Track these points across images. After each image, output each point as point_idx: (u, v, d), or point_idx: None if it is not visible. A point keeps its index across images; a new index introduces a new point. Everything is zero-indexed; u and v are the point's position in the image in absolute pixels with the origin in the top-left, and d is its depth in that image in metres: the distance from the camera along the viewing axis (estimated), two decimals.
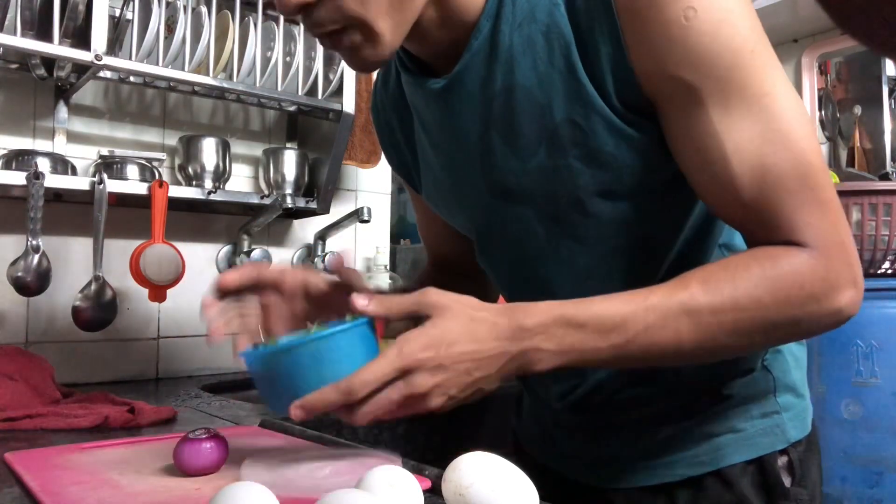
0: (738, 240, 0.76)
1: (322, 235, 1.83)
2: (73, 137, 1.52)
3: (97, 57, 1.24)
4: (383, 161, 1.82)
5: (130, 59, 1.34)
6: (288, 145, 1.83)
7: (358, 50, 0.64)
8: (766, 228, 0.61)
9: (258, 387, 0.65)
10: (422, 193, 0.88)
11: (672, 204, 0.70)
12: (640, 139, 0.65)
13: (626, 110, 0.64)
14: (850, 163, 1.89)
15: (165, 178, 1.57)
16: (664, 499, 0.77)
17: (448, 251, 0.99)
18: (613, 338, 0.60)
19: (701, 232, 0.73)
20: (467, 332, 0.59)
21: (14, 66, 1.41)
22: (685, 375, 0.75)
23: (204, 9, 1.43)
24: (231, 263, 1.73)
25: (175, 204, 1.48)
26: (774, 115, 0.60)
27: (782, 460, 0.76)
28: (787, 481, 0.75)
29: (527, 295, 0.80)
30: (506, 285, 0.85)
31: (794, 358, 0.79)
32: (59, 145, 1.49)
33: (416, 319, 0.62)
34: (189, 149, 1.58)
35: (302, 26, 1.55)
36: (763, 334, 0.61)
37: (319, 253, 1.84)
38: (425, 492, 0.60)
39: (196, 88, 1.52)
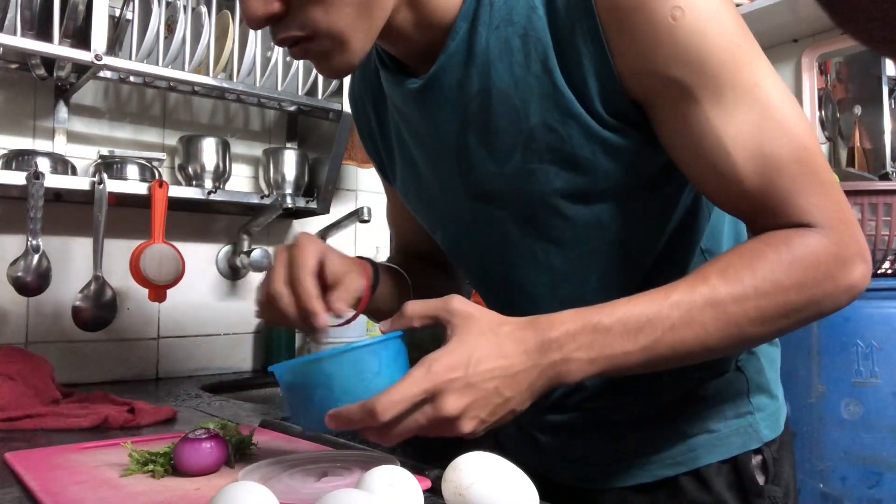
0: (719, 245, 0.76)
1: (322, 235, 1.83)
2: (73, 137, 1.52)
3: (97, 57, 1.24)
4: None
5: (130, 59, 1.34)
6: (288, 145, 1.83)
7: (327, 58, 0.64)
8: (773, 214, 0.62)
9: (289, 401, 0.65)
10: (395, 185, 0.87)
11: (648, 208, 0.70)
12: (619, 144, 0.65)
13: (609, 114, 0.64)
14: (850, 163, 1.89)
15: (165, 178, 1.57)
16: (644, 499, 0.78)
17: (419, 242, 0.98)
18: (641, 339, 0.59)
19: (681, 236, 0.73)
20: (494, 348, 0.58)
21: (14, 66, 1.41)
22: (661, 379, 0.75)
23: (204, 9, 1.43)
24: (231, 264, 1.73)
25: (175, 204, 1.48)
26: (767, 104, 0.61)
27: (756, 459, 0.76)
28: (760, 480, 0.76)
29: (502, 296, 0.80)
30: (481, 287, 0.85)
31: (767, 359, 0.80)
32: (59, 145, 1.49)
33: (436, 325, 0.61)
34: (189, 149, 1.58)
35: None
36: (785, 318, 0.61)
37: None
38: (425, 492, 0.60)
39: (196, 88, 1.52)
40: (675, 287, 0.60)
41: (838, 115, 1.93)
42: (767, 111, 0.61)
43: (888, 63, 1.82)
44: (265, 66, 1.52)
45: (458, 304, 0.60)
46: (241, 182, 1.76)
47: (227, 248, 1.74)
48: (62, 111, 1.50)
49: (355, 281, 0.74)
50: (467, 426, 0.57)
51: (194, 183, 1.57)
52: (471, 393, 0.56)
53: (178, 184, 1.58)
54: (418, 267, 0.96)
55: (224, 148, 1.61)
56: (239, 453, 0.74)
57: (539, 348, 0.58)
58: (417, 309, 0.62)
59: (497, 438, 0.97)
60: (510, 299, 0.78)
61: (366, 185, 2.01)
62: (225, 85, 1.47)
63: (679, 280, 0.61)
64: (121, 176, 1.43)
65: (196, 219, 1.68)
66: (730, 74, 0.60)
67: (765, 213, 0.62)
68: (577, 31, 0.62)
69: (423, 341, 0.68)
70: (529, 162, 0.67)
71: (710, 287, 0.59)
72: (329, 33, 0.62)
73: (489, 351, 0.57)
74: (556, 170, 0.67)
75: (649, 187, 0.69)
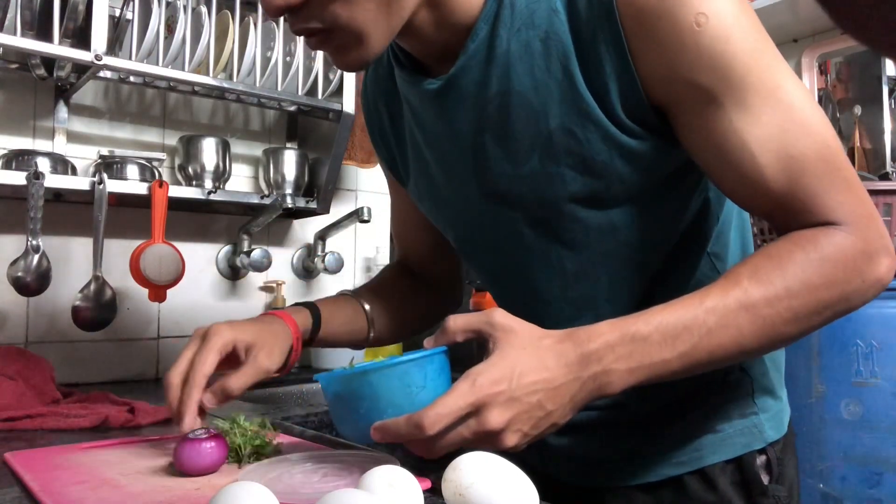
0: (726, 249, 0.76)
1: (322, 235, 1.83)
2: (73, 137, 1.52)
3: (97, 57, 1.24)
4: None
5: (130, 59, 1.34)
6: (288, 145, 1.83)
7: (343, 51, 0.64)
8: (799, 214, 0.63)
9: (333, 411, 0.66)
10: (406, 187, 0.88)
11: (660, 211, 0.71)
12: (636, 149, 0.65)
13: (629, 119, 0.64)
14: (850, 163, 1.89)
15: (165, 178, 1.57)
16: (648, 498, 0.78)
17: (418, 247, 0.99)
18: (679, 346, 0.59)
19: (689, 240, 0.74)
20: (537, 361, 0.58)
21: (14, 66, 1.41)
22: (666, 381, 0.76)
23: (204, 9, 1.43)
24: (231, 263, 1.73)
25: (175, 204, 1.48)
26: (789, 105, 0.61)
27: (760, 459, 0.77)
28: (765, 479, 0.77)
29: (514, 296, 0.81)
30: (493, 289, 0.86)
31: (771, 361, 0.81)
32: (59, 145, 1.49)
33: (478, 339, 0.62)
34: (189, 149, 1.58)
35: None
36: (817, 315, 0.62)
37: (319, 253, 1.84)
38: (425, 492, 0.60)
39: (196, 88, 1.52)
40: (709, 292, 0.61)
41: (838, 115, 1.93)
42: (790, 112, 0.61)
43: (888, 63, 1.82)
44: (265, 66, 1.52)
45: (500, 318, 0.61)
46: (241, 182, 1.76)
47: (227, 248, 1.74)
48: (62, 111, 1.50)
49: (258, 364, 0.76)
50: (511, 440, 0.58)
51: (194, 183, 1.57)
52: (514, 406, 0.57)
53: (178, 184, 1.58)
54: (409, 285, 0.98)
55: (224, 148, 1.61)
56: (255, 455, 0.73)
57: (579, 361, 0.59)
58: (459, 324, 0.63)
59: None
60: (522, 300, 0.78)
61: (366, 185, 2.01)
62: (225, 85, 1.47)
63: (710, 285, 0.62)
64: (121, 176, 1.43)
65: (196, 219, 1.68)
66: (753, 78, 0.61)
67: (791, 213, 0.63)
68: (599, 35, 0.62)
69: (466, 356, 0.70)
70: (546, 165, 0.68)
71: (742, 290, 0.60)
72: (348, 28, 0.62)
73: (532, 364, 0.58)
74: (572, 173, 0.67)
75: (662, 191, 0.69)
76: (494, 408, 0.56)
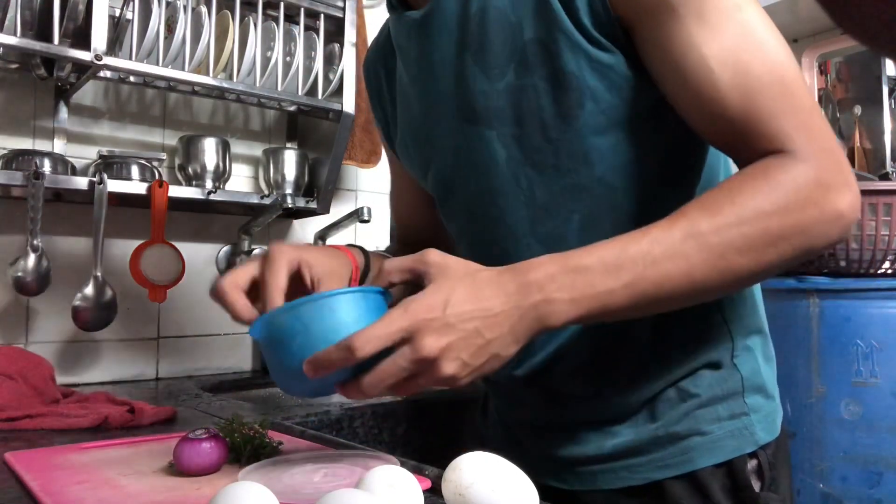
0: None
1: (322, 235, 1.83)
2: (73, 137, 1.52)
3: (97, 57, 1.24)
4: (383, 161, 1.82)
5: (130, 59, 1.34)
6: (288, 145, 1.83)
7: None
8: (753, 140, 0.62)
9: (268, 359, 0.63)
10: (395, 145, 0.89)
11: (638, 149, 0.70)
12: (604, 61, 0.66)
13: (598, 32, 0.65)
14: (850, 163, 1.88)
15: (165, 178, 1.57)
16: (634, 502, 0.76)
17: (416, 222, 1.00)
18: (623, 276, 0.58)
19: (671, 191, 0.72)
20: (473, 291, 0.57)
21: (14, 66, 1.41)
22: (648, 368, 0.74)
23: (204, 9, 1.43)
24: (231, 263, 1.73)
25: (175, 204, 1.48)
26: (749, 25, 0.62)
27: (751, 464, 0.74)
28: (756, 486, 0.73)
29: (487, 238, 0.79)
30: (465, 234, 0.84)
31: (764, 357, 0.78)
32: (59, 145, 1.49)
33: (416, 284, 0.61)
34: (189, 149, 1.58)
35: (302, 26, 1.55)
36: (772, 246, 0.59)
37: None
38: (425, 492, 0.60)
39: (196, 88, 1.52)
40: (654, 225, 0.60)
41: (838, 115, 1.93)
42: (748, 32, 0.62)
43: (888, 63, 1.82)
44: (265, 66, 1.52)
45: (435, 256, 0.60)
46: (241, 182, 1.76)
47: (227, 248, 1.74)
48: (62, 111, 1.50)
49: (334, 284, 0.74)
50: (449, 368, 0.56)
51: (194, 183, 1.57)
52: (450, 333, 0.56)
53: (178, 184, 1.58)
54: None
55: (224, 148, 1.61)
56: (255, 455, 0.73)
57: (519, 290, 0.58)
58: (395, 264, 0.62)
59: (483, 441, 0.96)
60: (492, 238, 0.78)
61: (366, 185, 2.01)
62: (225, 85, 1.47)
63: (657, 221, 0.61)
64: (121, 176, 1.43)
65: (196, 219, 1.68)
66: None
67: (746, 140, 0.62)
68: None
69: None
70: (521, 78, 0.69)
71: (689, 220, 0.59)
72: None
73: (468, 294, 0.57)
74: (545, 86, 0.68)
75: (640, 124, 0.69)
76: (428, 334, 0.55)
